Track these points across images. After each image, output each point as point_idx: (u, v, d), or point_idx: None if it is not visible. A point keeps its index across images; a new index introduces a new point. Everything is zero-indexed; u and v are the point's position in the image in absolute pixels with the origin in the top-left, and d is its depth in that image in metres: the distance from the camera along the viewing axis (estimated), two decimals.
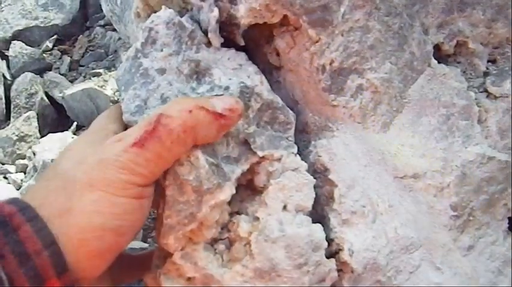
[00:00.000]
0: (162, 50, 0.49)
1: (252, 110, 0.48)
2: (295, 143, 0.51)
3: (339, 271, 0.49)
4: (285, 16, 0.49)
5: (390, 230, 0.51)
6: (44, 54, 1.63)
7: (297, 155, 0.50)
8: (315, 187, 0.50)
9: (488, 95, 0.56)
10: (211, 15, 0.48)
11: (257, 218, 0.47)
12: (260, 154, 0.48)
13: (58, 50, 1.65)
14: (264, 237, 0.46)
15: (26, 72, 1.59)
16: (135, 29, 0.58)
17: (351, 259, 0.49)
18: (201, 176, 0.44)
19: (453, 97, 0.54)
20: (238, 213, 0.49)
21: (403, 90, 0.53)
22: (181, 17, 0.50)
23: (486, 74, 0.57)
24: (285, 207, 0.47)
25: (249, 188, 0.50)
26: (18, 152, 1.55)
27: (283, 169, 0.48)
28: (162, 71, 0.49)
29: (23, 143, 1.54)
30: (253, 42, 0.53)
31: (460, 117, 0.54)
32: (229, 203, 0.48)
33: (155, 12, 0.54)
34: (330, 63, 0.50)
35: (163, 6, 0.50)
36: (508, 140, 0.55)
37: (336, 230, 0.49)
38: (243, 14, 0.48)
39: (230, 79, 0.48)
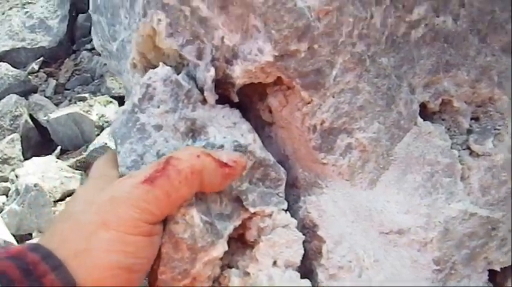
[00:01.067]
0: (159, 107, 0.50)
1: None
2: (286, 196, 0.53)
3: None
4: (279, 77, 0.50)
5: (376, 283, 0.52)
6: (29, 77, 1.62)
7: (287, 211, 0.51)
8: (303, 241, 0.52)
9: (471, 152, 0.58)
10: (207, 75, 0.50)
11: (248, 273, 0.48)
12: (252, 210, 0.50)
13: (44, 72, 1.65)
14: None
15: (11, 94, 1.59)
16: (130, 78, 0.59)
17: None
18: (196, 234, 0.46)
19: (437, 155, 0.56)
20: (229, 266, 0.50)
21: (389, 148, 0.55)
22: (178, 72, 0.52)
23: (469, 131, 0.59)
24: (275, 263, 0.49)
25: (239, 241, 0.51)
26: (0, 174, 1.55)
27: (273, 226, 0.50)
28: (158, 128, 0.50)
29: (6, 165, 1.53)
30: (247, 99, 0.55)
31: (444, 175, 0.56)
32: (221, 257, 0.49)
33: (152, 64, 0.55)
34: (321, 124, 0.51)
35: (160, 63, 0.52)
36: (489, 196, 0.57)
37: (323, 284, 0.51)
38: (238, 74, 0.50)
39: (224, 137, 0.50)
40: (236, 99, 0.53)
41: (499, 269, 0.60)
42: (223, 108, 0.52)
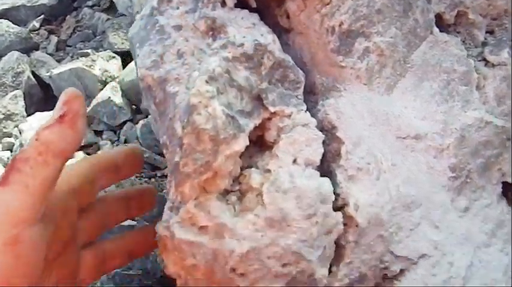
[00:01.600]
0: (178, 8, 0.50)
1: (265, 67, 0.50)
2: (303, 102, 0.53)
3: (344, 225, 0.51)
4: None
5: (393, 187, 0.53)
6: (31, 34, 1.61)
7: (306, 112, 0.51)
8: (322, 144, 0.52)
9: (487, 63, 0.58)
10: None
11: (268, 171, 0.49)
12: (272, 109, 0.50)
13: (45, 30, 1.64)
14: (276, 188, 0.48)
15: (13, 51, 1.58)
16: None
17: (356, 214, 0.51)
18: (218, 125, 0.46)
19: (454, 64, 0.56)
20: (248, 168, 0.51)
21: (406, 55, 0.55)
22: None
23: (484, 44, 0.60)
24: (295, 161, 0.49)
25: (258, 145, 0.51)
26: (4, 130, 1.54)
27: (293, 125, 0.50)
28: (178, 28, 0.50)
29: (9, 121, 1.53)
30: (264, 5, 0.54)
31: (460, 83, 0.56)
32: (240, 157, 0.49)
33: None
34: (339, 25, 0.51)
35: None
36: (504, 106, 0.58)
37: (342, 186, 0.51)
38: None
39: (244, 37, 0.50)
40: (254, 4, 0.53)
41: (510, 181, 0.60)
42: (242, 11, 0.52)
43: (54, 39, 1.61)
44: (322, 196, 0.49)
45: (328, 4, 0.51)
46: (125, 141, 1.33)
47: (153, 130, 1.39)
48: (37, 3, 1.72)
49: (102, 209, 0.57)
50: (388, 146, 0.54)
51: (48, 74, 1.54)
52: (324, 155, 0.51)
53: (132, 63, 1.41)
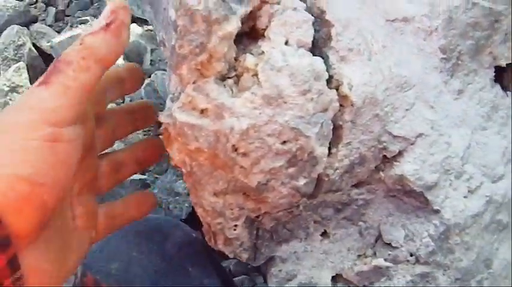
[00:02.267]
0: None
1: None
2: None
3: (340, 106, 0.53)
4: None
5: (385, 68, 0.54)
6: (29, 7, 1.63)
7: None
8: (313, 30, 0.53)
9: None
10: None
11: (262, 52, 0.50)
12: None
13: (42, 2, 1.65)
14: (270, 66, 0.49)
15: (13, 25, 1.60)
16: None
17: (351, 93, 0.52)
18: (210, 6, 0.47)
19: None
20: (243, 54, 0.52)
21: None
22: None
23: None
24: (287, 42, 0.51)
25: (251, 35, 0.53)
26: (10, 103, 1.56)
27: (283, 9, 0.51)
28: None
29: (14, 93, 1.55)
30: None
31: None
32: (234, 43, 0.51)
33: None
34: None
35: None
36: None
37: (335, 67, 0.52)
38: None
39: None
40: None
41: (504, 65, 0.61)
42: None
43: (52, 10, 1.63)
44: (315, 73, 0.50)
45: None
46: (130, 101, 1.35)
47: (156, 89, 1.41)
48: None
49: (112, 120, 0.59)
50: (378, 28, 0.55)
51: (49, 44, 1.56)
52: (315, 40, 0.53)
53: (132, 25, 1.42)
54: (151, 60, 1.48)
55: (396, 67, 0.54)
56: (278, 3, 0.51)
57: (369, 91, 0.53)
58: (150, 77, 1.39)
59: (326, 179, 0.54)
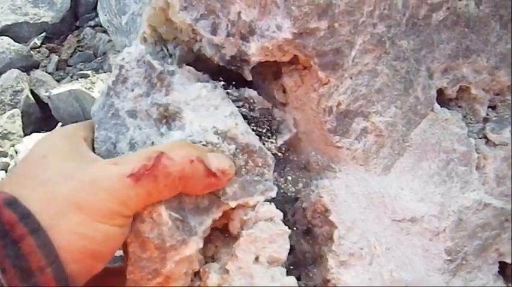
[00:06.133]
0: (133, 90, 0.49)
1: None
2: (296, 179, 0.51)
3: None
4: (295, 55, 0.49)
5: (386, 273, 0.51)
6: (31, 52, 1.60)
7: (272, 203, 0.48)
8: (313, 225, 0.50)
9: (487, 141, 0.57)
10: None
11: (227, 271, 0.47)
12: (232, 204, 0.47)
13: (46, 48, 1.63)
14: None
15: (13, 69, 1.57)
16: None
17: None
18: (164, 233, 0.44)
19: (454, 143, 0.55)
20: (213, 258, 0.49)
21: (405, 134, 0.53)
22: (189, 47, 0.50)
23: (486, 119, 0.58)
24: (256, 259, 0.47)
25: (225, 232, 0.49)
26: (0, 149, 1.53)
27: (256, 219, 0.47)
28: (132, 114, 0.48)
29: (5, 140, 1.52)
30: (260, 77, 0.53)
31: (460, 163, 0.55)
32: (205, 246, 0.47)
33: (163, 39, 0.54)
34: (337, 106, 0.50)
35: (134, 42, 0.50)
36: (504, 187, 0.56)
37: (333, 271, 0.49)
38: (254, 51, 0.48)
39: (200, 126, 0.47)
40: (250, 78, 0.51)
41: (510, 262, 0.59)
42: (204, 88, 0.49)
43: (54, 58, 1.60)
44: None
45: (326, 84, 0.49)
46: None
47: None
48: (39, 21, 1.70)
49: None
50: (383, 229, 0.52)
51: (47, 93, 1.53)
52: (314, 237, 0.50)
53: None
54: None
55: (398, 271, 0.52)
56: (252, 208, 0.48)
57: None
58: None
59: None
